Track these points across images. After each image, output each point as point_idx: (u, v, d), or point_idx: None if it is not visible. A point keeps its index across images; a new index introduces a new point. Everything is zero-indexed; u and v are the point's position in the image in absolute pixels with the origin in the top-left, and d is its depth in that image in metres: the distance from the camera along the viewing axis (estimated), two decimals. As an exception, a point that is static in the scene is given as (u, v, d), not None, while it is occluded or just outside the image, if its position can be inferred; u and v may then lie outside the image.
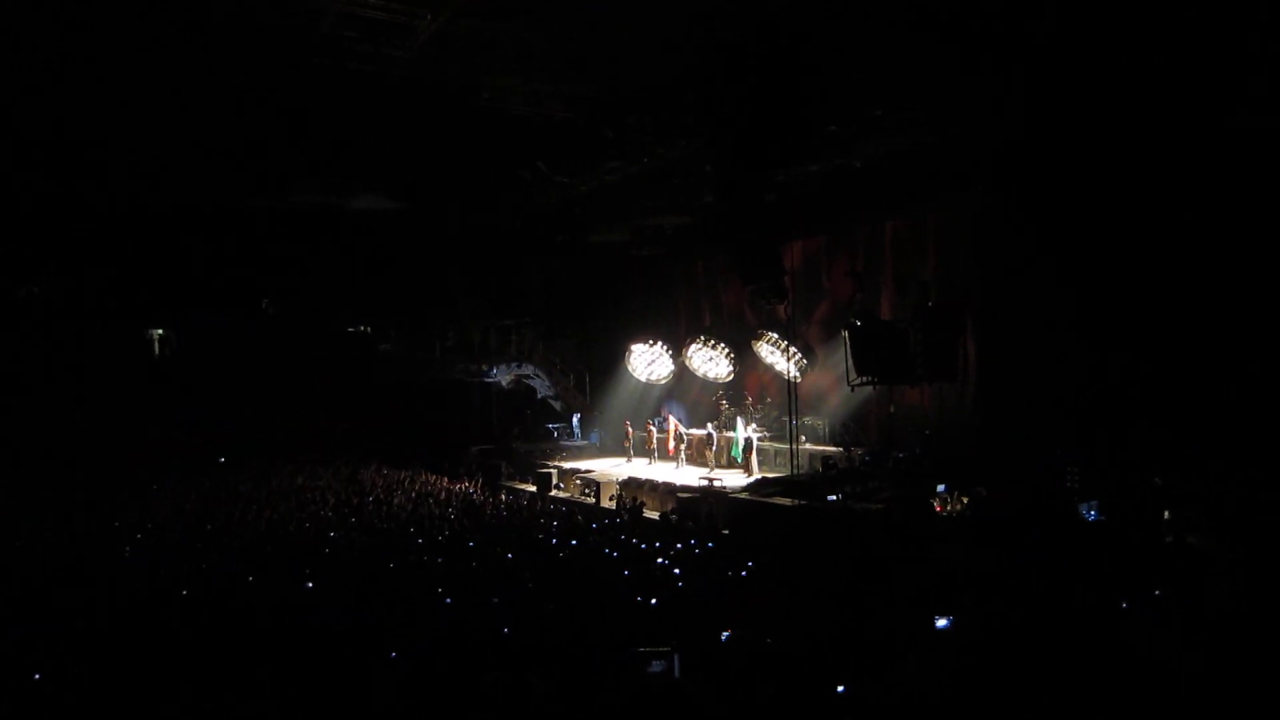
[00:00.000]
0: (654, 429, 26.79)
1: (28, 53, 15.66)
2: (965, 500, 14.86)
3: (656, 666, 5.63)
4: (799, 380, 22.47)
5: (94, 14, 14.44)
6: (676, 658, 5.69)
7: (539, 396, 31.19)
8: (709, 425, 24.91)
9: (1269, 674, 5.93)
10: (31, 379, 24.39)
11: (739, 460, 23.20)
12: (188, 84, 17.27)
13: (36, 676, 6.56)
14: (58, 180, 22.18)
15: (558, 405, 31.28)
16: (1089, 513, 13.43)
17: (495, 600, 9.81)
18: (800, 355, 22.81)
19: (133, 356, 27.14)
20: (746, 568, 11.82)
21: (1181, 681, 5.86)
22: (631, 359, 28.42)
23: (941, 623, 6.93)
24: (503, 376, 30.49)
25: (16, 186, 22.22)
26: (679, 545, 13.80)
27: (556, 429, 30.73)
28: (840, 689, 5.80)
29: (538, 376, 30.96)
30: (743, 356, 25.64)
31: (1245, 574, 10.36)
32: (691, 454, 25.20)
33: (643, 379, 28.66)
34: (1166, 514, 12.79)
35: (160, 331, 28.68)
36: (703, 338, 26.51)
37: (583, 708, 4.45)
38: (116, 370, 26.06)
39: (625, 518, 18.01)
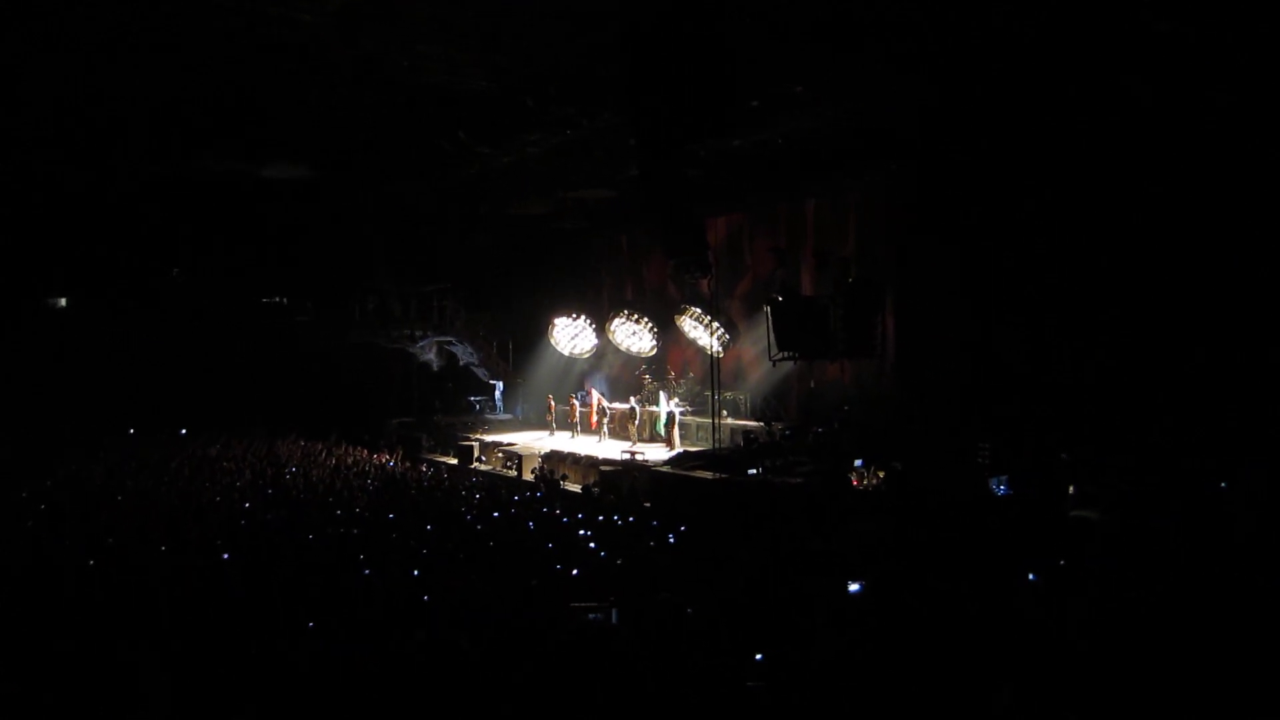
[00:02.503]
0: (577, 403, 26.81)
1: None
2: (881, 475, 15.22)
3: (594, 618, 5.67)
4: (721, 355, 22.71)
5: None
6: (615, 611, 5.74)
7: (461, 364, 30.89)
8: (632, 399, 25.02)
9: (1149, 645, 6.21)
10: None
11: (662, 434, 23.37)
12: (90, 45, 16.57)
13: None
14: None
15: (481, 373, 31.01)
16: (999, 488, 13.89)
17: (415, 572, 9.75)
18: (723, 330, 23.04)
19: (36, 327, 26.05)
20: (668, 540, 11.95)
21: (1072, 649, 6.12)
22: (554, 332, 28.36)
23: (854, 587, 7.13)
24: (428, 351, 30.12)
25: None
26: (600, 518, 13.87)
27: (479, 402, 30.51)
28: (758, 656, 5.94)
29: (460, 344, 30.65)
30: (666, 331, 25.81)
31: (1128, 546, 10.83)
32: (614, 428, 25.31)
33: (566, 353, 28.64)
34: (1071, 489, 13.30)
35: (64, 301, 27.60)
36: (626, 312, 26.58)
37: (513, 662, 4.46)
38: (19, 340, 25.03)
39: (543, 490, 18.02)
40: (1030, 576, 8.27)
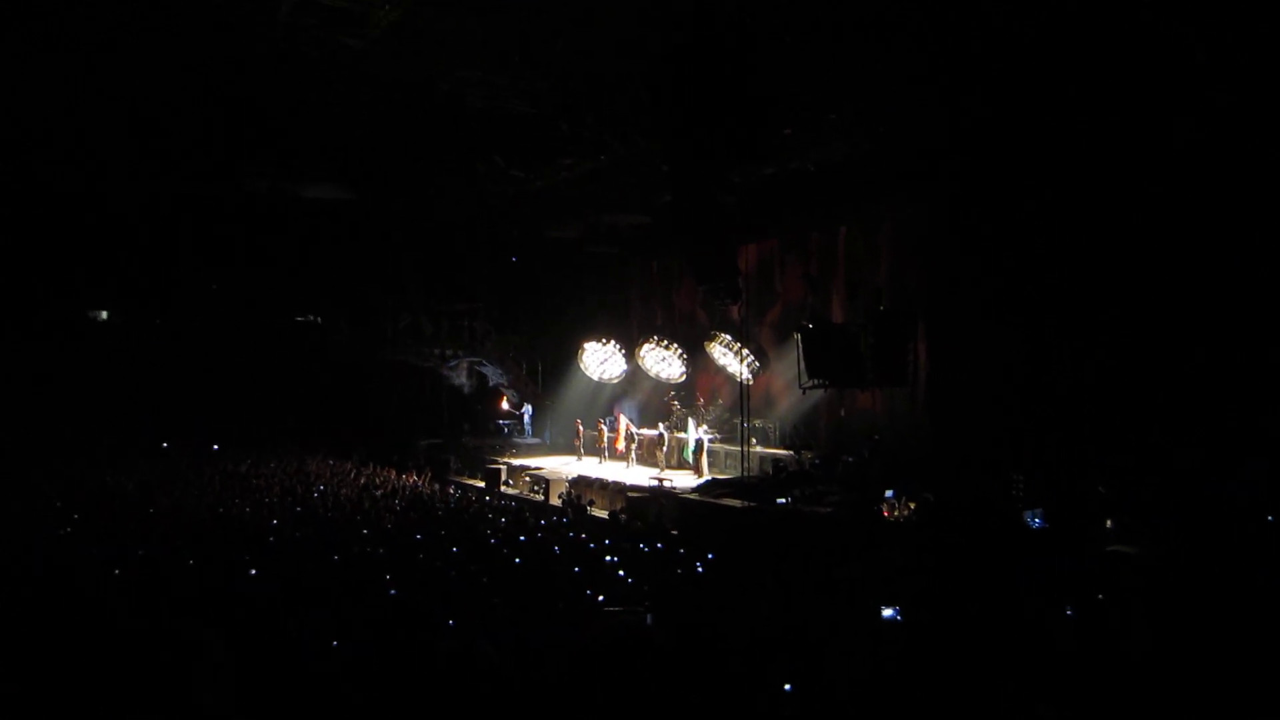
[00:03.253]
0: (605, 428, 26.74)
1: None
2: (913, 506, 15.02)
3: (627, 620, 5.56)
4: (751, 382, 22.59)
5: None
6: (649, 616, 5.63)
7: (491, 384, 30.97)
8: (660, 426, 24.94)
9: (1189, 676, 6.07)
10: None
11: (690, 461, 23.25)
12: (144, 70, 16.94)
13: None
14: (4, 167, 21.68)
15: (510, 394, 31.07)
16: (1033, 520, 13.66)
17: (441, 592, 9.71)
18: (753, 357, 22.93)
19: (76, 338, 26.39)
20: (695, 568, 11.84)
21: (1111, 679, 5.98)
22: (584, 357, 28.36)
23: (888, 612, 6.98)
24: (460, 374, 30.27)
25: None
26: (627, 544, 13.78)
27: (507, 425, 30.54)
28: (787, 687, 5.83)
29: (489, 365, 30.75)
30: (695, 358, 25.74)
31: (1167, 579, 10.61)
32: (642, 454, 25.21)
33: (595, 378, 28.62)
34: (1109, 522, 13.06)
35: (105, 314, 28.00)
36: (656, 338, 26.56)
37: (536, 665, 4.39)
38: (60, 351, 25.39)
39: (570, 515, 17.95)
40: (1068, 611, 8.10)
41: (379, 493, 19.45)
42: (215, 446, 24.80)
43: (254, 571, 10.44)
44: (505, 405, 30.75)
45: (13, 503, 16.20)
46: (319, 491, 19.09)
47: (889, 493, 15.59)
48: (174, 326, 26.96)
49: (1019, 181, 16.88)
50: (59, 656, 6.38)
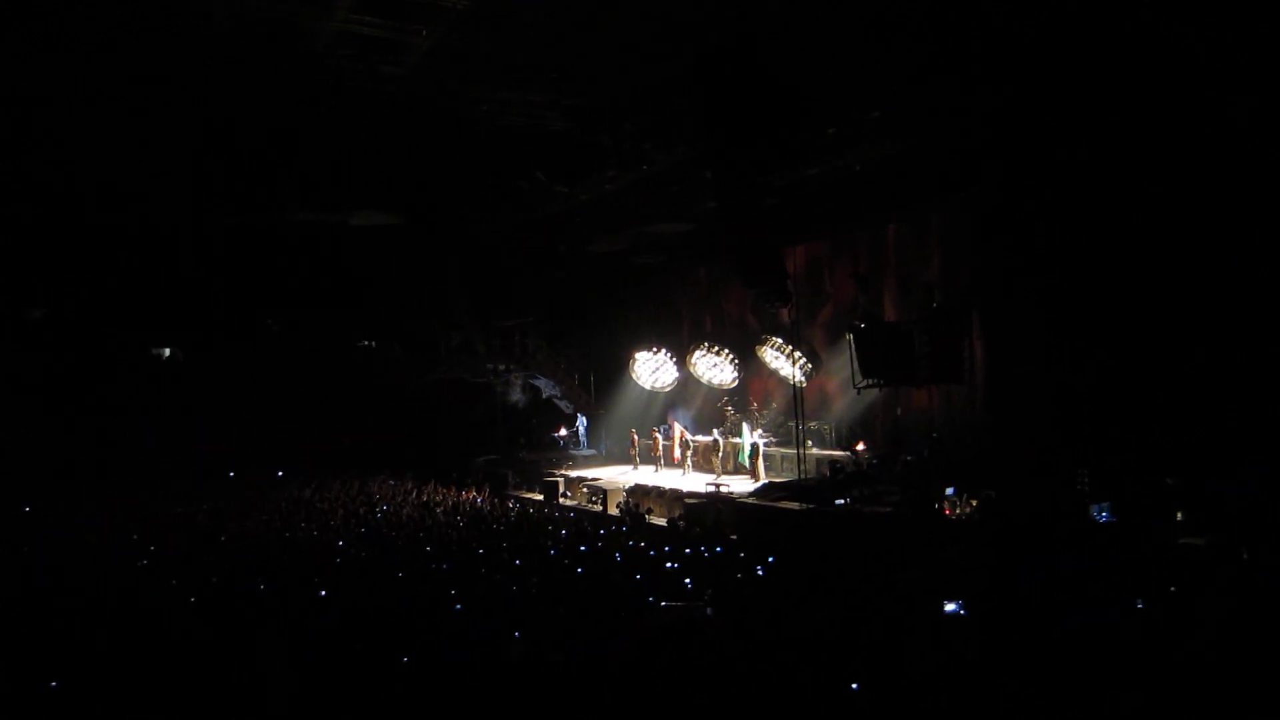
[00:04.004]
0: (659, 436, 26.79)
1: (31, 79, 15.82)
2: (974, 503, 14.83)
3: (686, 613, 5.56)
4: (804, 384, 22.48)
5: (95, 34, 14.55)
6: (709, 609, 5.63)
7: (544, 395, 31.18)
8: (715, 431, 24.91)
9: (1266, 673, 5.92)
10: (43, 396, 24.46)
11: (746, 466, 23.20)
12: (190, 106, 17.41)
13: (54, 684, 6.58)
14: (65, 204, 22.35)
15: (564, 405, 31.25)
16: (1100, 514, 13.41)
17: (505, 606, 9.82)
18: (805, 359, 22.82)
19: (141, 374, 27.13)
20: (754, 570, 11.82)
21: (1186, 678, 5.86)
22: (636, 367, 28.48)
23: (950, 607, 6.90)
24: (515, 389, 30.54)
25: (24, 209, 22.35)
26: (687, 550, 13.80)
27: (562, 439, 30.74)
28: (854, 686, 5.81)
29: (542, 378, 30.96)
30: (747, 362, 25.69)
31: (1243, 573, 10.35)
32: (698, 460, 25.21)
33: (647, 387, 28.72)
34: (1179, 515, 12.76)
35: (168, 350, 28.75)
36: (706, 344, 26.56)
37: (598, 665, 4.42)
38: (125, 388, 26.12)
39: (628, 524, 18.00)
40: (1138, 604, 7.96)
41: (439, 510, 19.70)
42: (280, 473, 25.32)
43: (323, 593, 10.65)
44: (562, 431, 31.00)
45: (90, 535, 16.70)
46: (381, 512, 19.40)
47: (949, 490, 15.42)
48: (233, 360, 27.53)
49: (1073, 171, 16.58)
50: (140, 681, 6.60)
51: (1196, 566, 11.01)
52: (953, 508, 15.03)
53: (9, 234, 23.57)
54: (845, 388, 20.44)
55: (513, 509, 21.12)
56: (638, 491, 21.53)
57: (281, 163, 20.27)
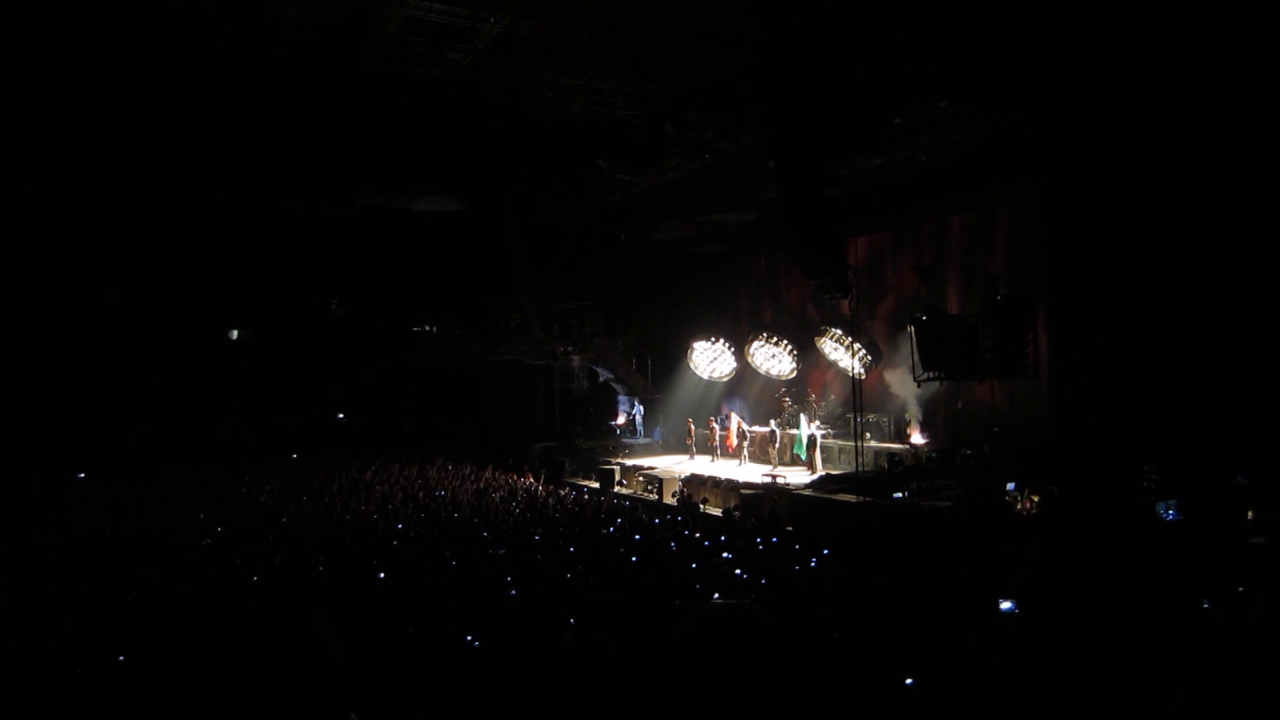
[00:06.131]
0: (716, 426, 26.72)
1: (122, 66, 16.29)
2: (1036, 499, 14.56)
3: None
4: (863, 376, 22.25)
5: (176, 25, 14.93)
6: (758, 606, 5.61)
7: (601, 379, 31.25)
8: (772, 422, 24.78)
9: None
10: (117, 379, 25.16)
11: (803, 457, 23.05)
12: (261, 94, 17.78)
13: (120, 658, 6.80)
14: (138, 188, 22.96)
15: (621, 390, 31.28)
16: (1167, 512, 13.09)
17: (560, 592, 9.89)
18: (865, 351, 22.58)
19: (212, 355, 27.79)
20: (809, 563, 11.74)
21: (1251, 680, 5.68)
22: (693, 356, 28.43)
23: (1006, 605, 6.79)
24: (574, 376, 30.64)
25: (98, 193, 23.01)
26: (742, 541, 13.76)
27: (619, 427, 30.81)
28: (909, 681, 5.75)
29: (600, 364, 31.04)
30: (805, 353, 25.49)
31: None
32: (754, 451, 25.10)
33: (705, 376, 28.65)
34: (1250, 514, 12.41)
35: (238, 332, 29.38)
36: (765, 334, 26.41)
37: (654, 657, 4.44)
38: (197, 371, 26.78)
39: (684, 514, 18.01)
40: (1204, 604, 7.75)
41: (496, 495, 19.90)
42: (341, 456, 25.77)
43: (382, 575, 10.82)
44: (620, 419, 31.03)
45: (160, 513, 17.18)
46: (439, 495, 19.66)
47: (1010, 485, 15.17)
48: (300, 343, 28.03)
49: (1142, 161, 16.15)
50: (204, 658, 6.77)
51: (1267, 566, 10.70)
52: (1014, 503, 14.78)
53: (86, 216, 24.26)
54: (906, 380, 20.19)
55: (568, 496, 21.26)
56: (693, 481, 21.53)
57: (349, 149, 20.63)
